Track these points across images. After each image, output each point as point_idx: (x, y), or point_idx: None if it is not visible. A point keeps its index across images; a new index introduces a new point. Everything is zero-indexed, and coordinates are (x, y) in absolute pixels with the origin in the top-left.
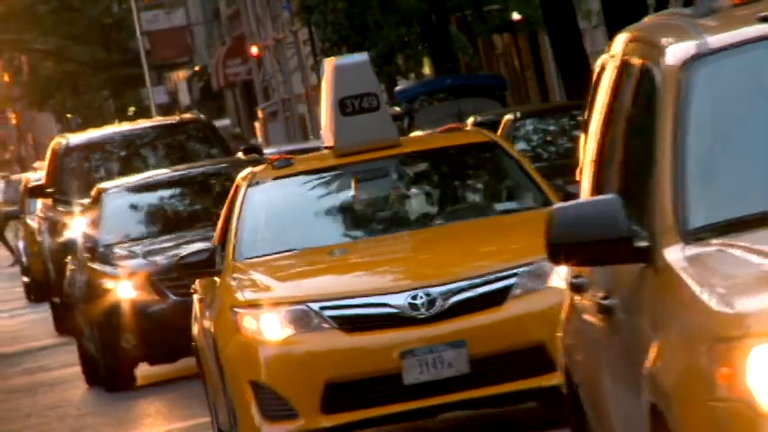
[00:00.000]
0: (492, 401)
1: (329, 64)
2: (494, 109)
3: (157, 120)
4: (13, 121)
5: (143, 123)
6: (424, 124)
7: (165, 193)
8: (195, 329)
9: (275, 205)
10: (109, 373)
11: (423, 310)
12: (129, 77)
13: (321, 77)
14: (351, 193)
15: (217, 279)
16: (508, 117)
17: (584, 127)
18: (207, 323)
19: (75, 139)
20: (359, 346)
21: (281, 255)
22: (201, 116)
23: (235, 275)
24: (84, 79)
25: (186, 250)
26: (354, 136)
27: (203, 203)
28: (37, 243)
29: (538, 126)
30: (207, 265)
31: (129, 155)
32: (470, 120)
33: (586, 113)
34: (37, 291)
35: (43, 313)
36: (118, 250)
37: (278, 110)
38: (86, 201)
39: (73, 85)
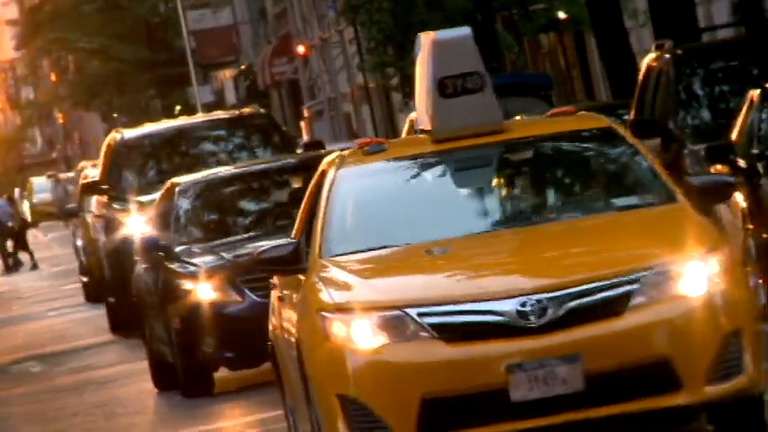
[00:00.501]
0: (609, 422)
1: (427, 38)
2: (540, 108)
3: (216, 113)
4: (60, 121)
5: (201, 117)
6: None
7: (242, 188)
8: (271, 328)
9: (366, 196)
10: (187, 379)
11: (533, 318)
12: (176, 76)
13: (416, 54)
14: (451, 183)
15: (301, 277)
16: None
17: (629, 126)
18: (289, 325)
19: (131, 133)
20: (461, 357)
21: (374, 252)
22: (262, 110)
23: (322, 274)
24: (130, 78)
25: (266, 244)
26: (455, 120)
27: (281, 199)
28: (93, 242)
29: None
30: (290, 260)
31: (187, 150)
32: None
33: (633, 112)
34: (95, 290)
35: (90, 312)
36: (195, 248)
37: (324, 109)
38: (143, 198)
39: (119, 85)
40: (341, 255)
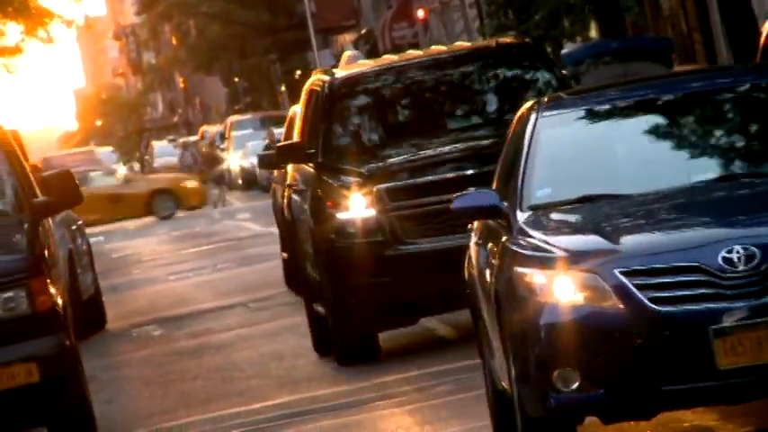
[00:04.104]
0: None
1: None
2: (660, 72)
3: (463, 46)
4: (181, 85)
5: (441, 49)
6: None
7: (655, 123)
8: None
9: None
10: (530, 429)
11: None
12: (296, 41)
13: None
14: None
15: None
16: None
17: None
18: None
19: (346, 75)
20: None
21: None
22: (527, 39)
23: None
24: (250, 43)
25: None
26: None
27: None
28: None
29: None
30: None
31: (428, 96)
32: None
33: None
34: (294, 278)
35: (210, 276)
36: (548, 220)
37: None
38: (367, 168)
39: (239, 49)
40: None
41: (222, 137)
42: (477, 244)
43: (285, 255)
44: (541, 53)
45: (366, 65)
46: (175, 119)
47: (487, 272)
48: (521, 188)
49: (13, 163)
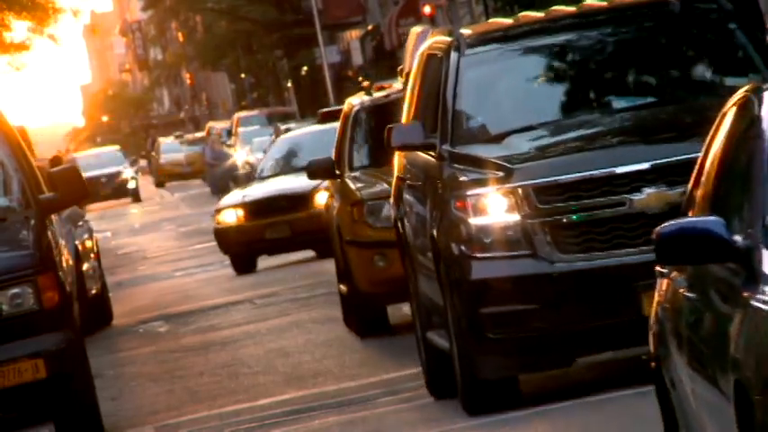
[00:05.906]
0: None
1: None
2: None
3: (629, 0)
4: (187, 81)
5: (600, 5)
6: None
7: None
8: None
9: None
10: None
11: None
12: (302, 37)
13: None
14: None
15: None
16: None
17: None
18: None
19: (479, 33)
20: None
21: None
22: None
23: None
24: (257, 39)
25: None
26: None
27: None
28: (367, 228)
29: None
30: None
31: (585, 64)
32: None
33: None
34: (364, 321)
35: (216, 272)
36: None
37: None
38: (505, 159)
39: (246, 45)
40: None
41: (229, 133)
42: (684, 294)
43: (343, 288)
44: (741, 11)
45: (502, 23)
46: (182, 115)
47: (707, 336)
48: (764, 217)
49: (19, 159)
